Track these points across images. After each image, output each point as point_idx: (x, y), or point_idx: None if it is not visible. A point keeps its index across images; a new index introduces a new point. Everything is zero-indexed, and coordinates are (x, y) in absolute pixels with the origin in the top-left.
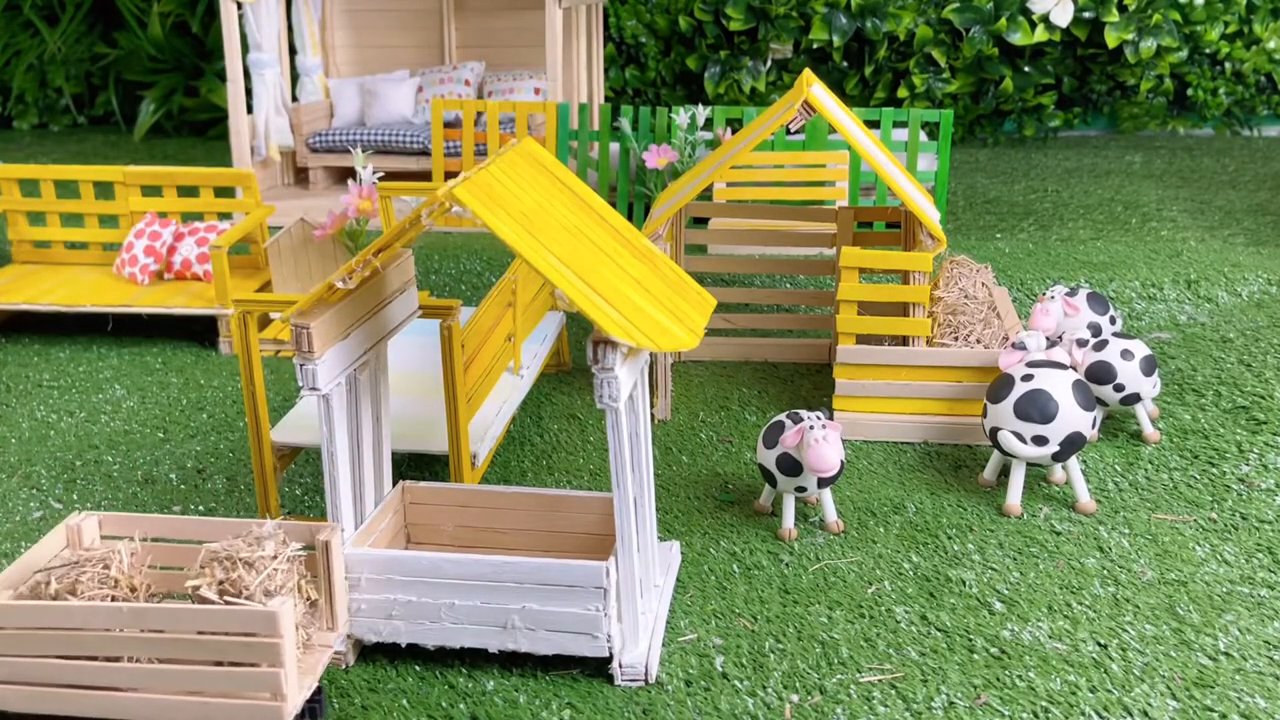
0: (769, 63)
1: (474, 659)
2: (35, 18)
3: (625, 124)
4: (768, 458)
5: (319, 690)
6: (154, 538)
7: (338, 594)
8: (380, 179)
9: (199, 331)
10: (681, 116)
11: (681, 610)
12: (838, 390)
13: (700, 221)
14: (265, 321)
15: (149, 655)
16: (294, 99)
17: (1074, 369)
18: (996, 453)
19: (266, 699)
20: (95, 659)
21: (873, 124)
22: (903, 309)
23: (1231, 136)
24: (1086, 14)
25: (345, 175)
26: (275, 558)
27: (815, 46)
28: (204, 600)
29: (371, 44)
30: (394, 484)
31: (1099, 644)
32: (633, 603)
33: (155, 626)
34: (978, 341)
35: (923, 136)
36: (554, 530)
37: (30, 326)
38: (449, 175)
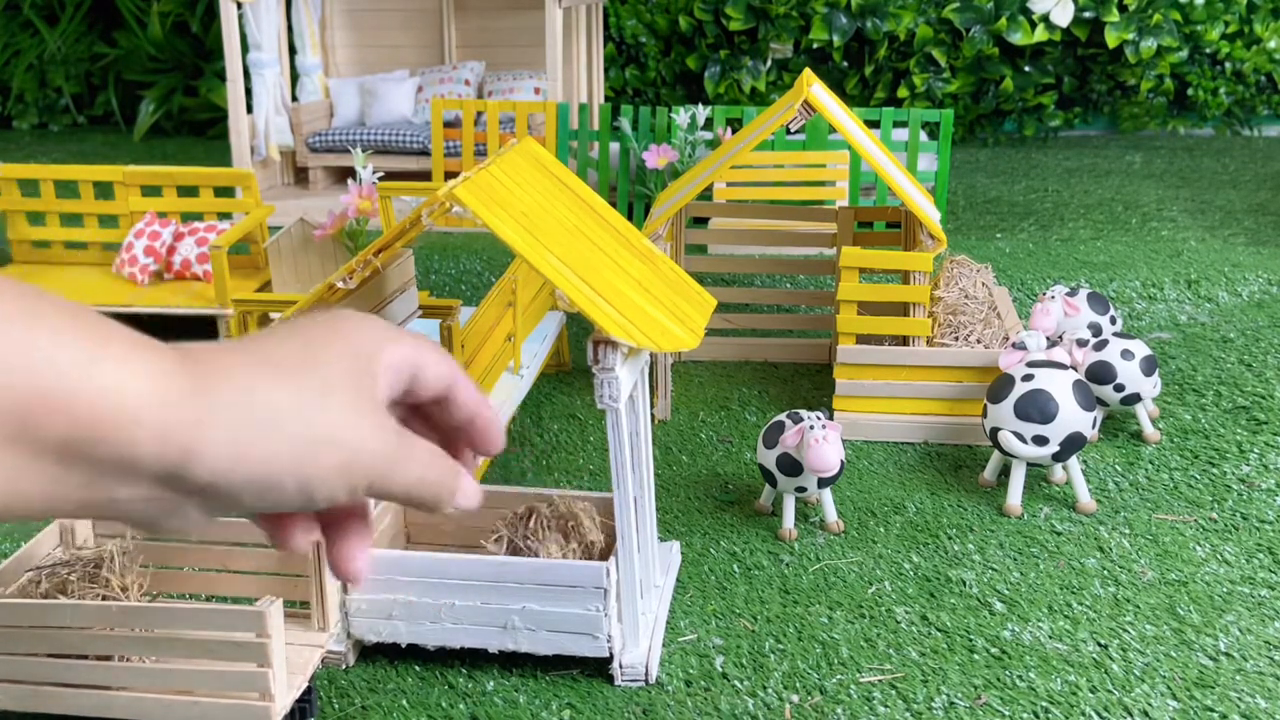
0: (769, 63)
1: (474, 659)
2: (35, 17)
3: (625, 124)
4: (768, 458)
5: (309, 690)
6: (148, 537)
7: (328, 593)
8: (380, 179)
9: (199, 331)
10: (681, 116)
11: (681, 610)
12: (838, 390)
13: (700, 221)
14: (265, 321)
15: (137, 654)
16: (294, 99)
17: (1074, 369)
18: (996, 453)
19: (255, 698)
20: (85, 658)
21: (873, 124)
22: (903, 309)
23: (1232, 136)
24: (1087, 14)
25: (345, 175)
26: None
27: (815, 46)
28: None
29: (371, 44)
30: None
31: (1099, 644)
32: (633, 603)
33: (144, 625)
34: (978, 341)
35: (923, 136)
36: None
37: None
38: (449, 175)
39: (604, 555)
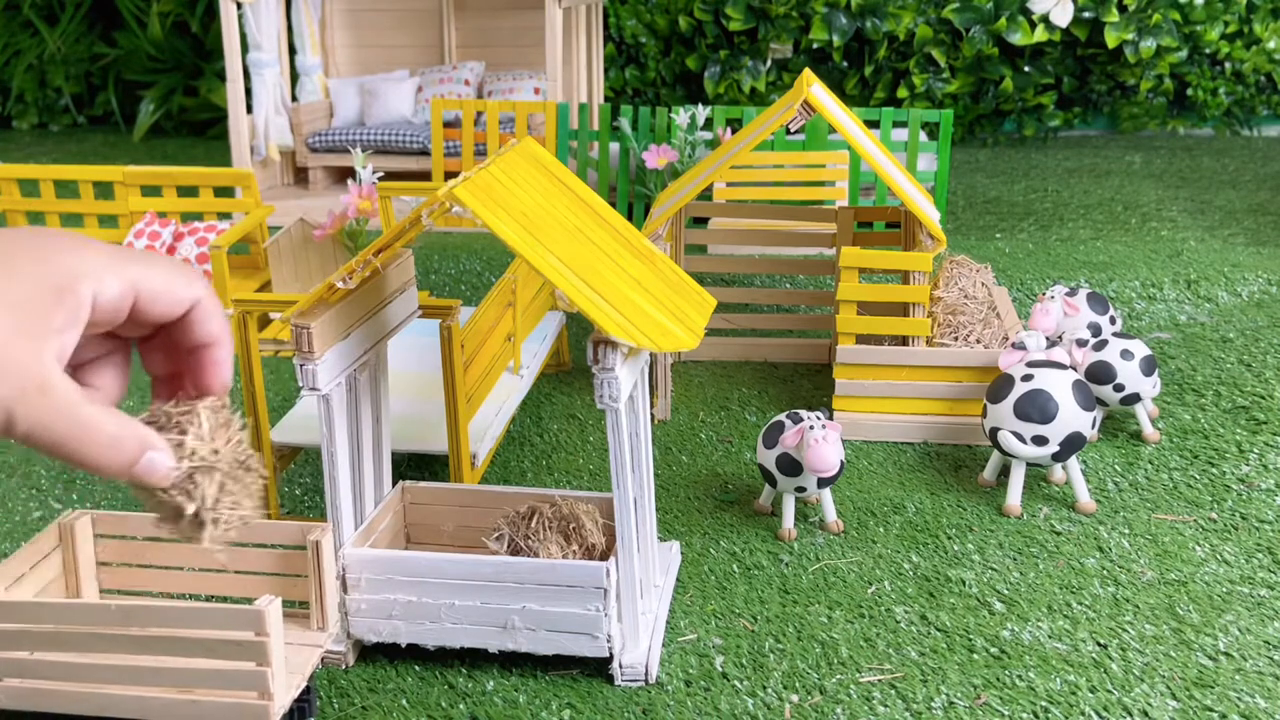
0: (769, 63)
1: (474, 659)
2: (35, 17)
3: (625, 124)
4: (768, 458)
5: (309, 689)
6: (149, 537)
7: (327, 593)
8: (380, 179)
9: None
10: (681, 116)
11: (681, 610)
12: (838, 390)
13: (700, 221)
14: (265, 321)
15: (136, 652)
16: (294, 99)
17: (1074, 369)
18: (996, 453)
19: (254, 697)
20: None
21: (873, 124)
22: (903, 309)
23: (1231, 136)
24: (1086, 14)
25: (345, 175)
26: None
27: (815, 46)
28: None
29: (371, 44)
30: (394, 484)
31: (1099, 644)
32: (633, 603)
33: (143, 624)
34: (978, 341)
35: (923, 136)
36: None
37: None
38: (449, 175)
39: (604, 558)
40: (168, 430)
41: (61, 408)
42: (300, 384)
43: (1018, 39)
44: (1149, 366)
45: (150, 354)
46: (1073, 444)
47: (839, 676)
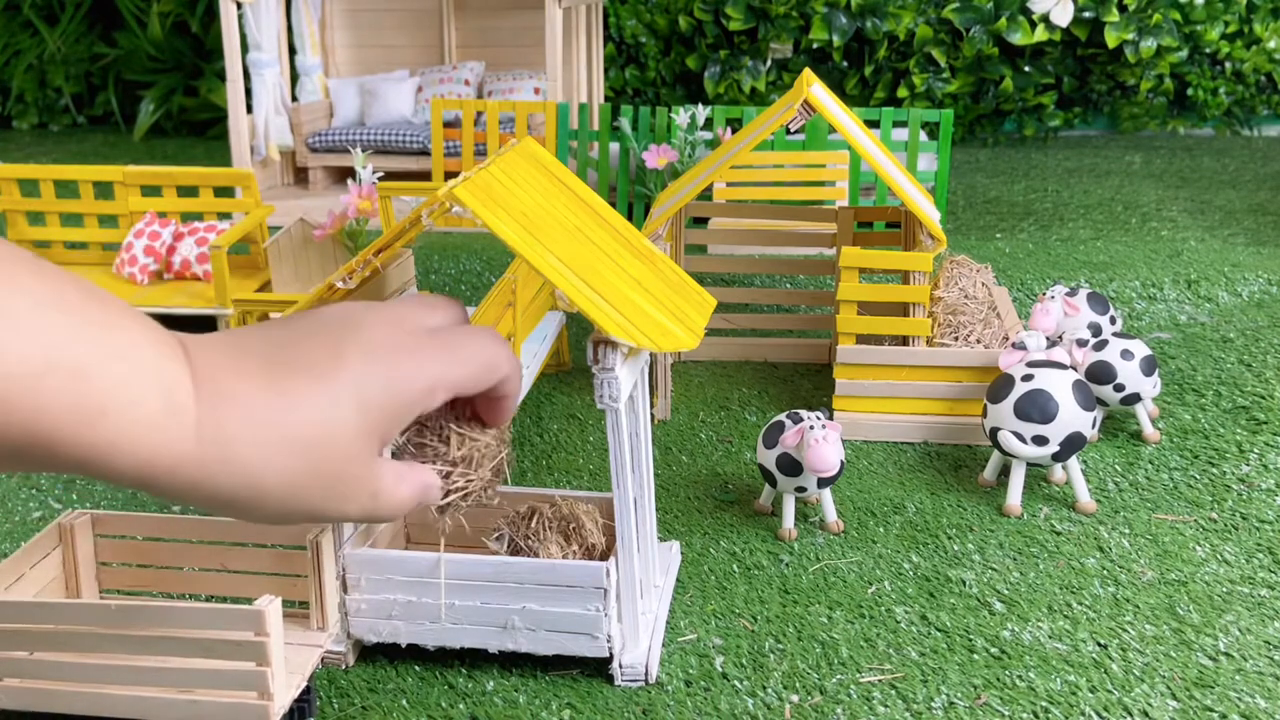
0: (769, 63)
1: (474, 659)
2: (35, 17)
3: (625, 124)
4: (768, 458)
5: (308, 689)
6: (149, 537)
7: (327, 593)
8: (380, 179)
9: (199, 331)
10: (681, 116)
11: (681, 610)
12: (838, 390)
13: (700, 221)
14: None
15: (136, 652)
16: (294, 99)
17: (1074, 369)
18: (996, 453)
19: (254, 697)
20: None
21: (873, 124)
22: (903, 309)
23: (1231, 136)
24: (1086, 14)
25: (345, 175)
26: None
27: (815, 46)
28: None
29: (371, 44)
30: None
31: (1099, 644)
32: (633, 603)
33: (142, 624)
34: (978, 341)
35: (923, 136)
36: None
37: None
38: (449, 175)
39: (604, 558)
40: (443, 459)
41: (387, 503)
42: None
43: (1018, 39)
44: (1149, 366)
45: None
46: (1073, 444)
47: (839, 676)
